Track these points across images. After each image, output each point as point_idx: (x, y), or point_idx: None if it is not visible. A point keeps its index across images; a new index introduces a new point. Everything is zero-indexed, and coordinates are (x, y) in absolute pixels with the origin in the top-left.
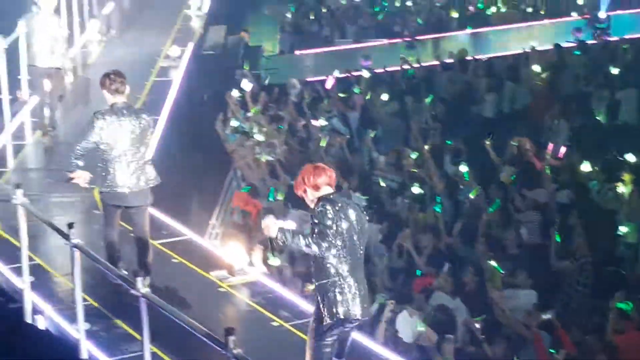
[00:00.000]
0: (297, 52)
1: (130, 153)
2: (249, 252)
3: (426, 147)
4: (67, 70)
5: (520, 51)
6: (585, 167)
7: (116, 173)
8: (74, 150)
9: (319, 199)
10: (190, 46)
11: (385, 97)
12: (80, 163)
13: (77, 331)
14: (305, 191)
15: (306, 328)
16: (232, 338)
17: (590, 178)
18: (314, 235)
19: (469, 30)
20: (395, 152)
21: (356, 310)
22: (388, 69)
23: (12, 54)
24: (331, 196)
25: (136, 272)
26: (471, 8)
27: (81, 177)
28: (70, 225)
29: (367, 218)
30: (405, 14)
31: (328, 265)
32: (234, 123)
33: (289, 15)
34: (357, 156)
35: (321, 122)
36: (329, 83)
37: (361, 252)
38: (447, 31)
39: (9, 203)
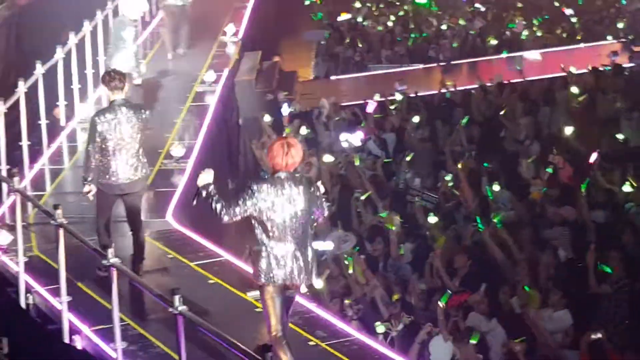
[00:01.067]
0: (332, 77)
1: (130, 146)
2: None
3: (461, 167)
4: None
5: (556, 75)
6: (627, 188)
7: (118, 166)
8: (84, 162)
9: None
10: (226, 71)
11: (416, 119)
12: (90, 177)
13: (115, 351)
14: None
15: (343, 347)
16: (269, 354)
17: (627, 199)
18: (230, 202)
19: (504, 55)
20: (431, 174)
21: (279, 276)
22: (422, 93)
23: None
24: (266, 176)
25: (106, 246)
26: (507, 33)
27: (90, 192)
28: (107, 245)
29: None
30: (440, 39)
31: (257, 236)
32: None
33: (323, 41)
34: (392, 177)
35: (355, 141)
36: (371, 107)
37: (297, 227)
38: (482, 55)
39: (45, 226)
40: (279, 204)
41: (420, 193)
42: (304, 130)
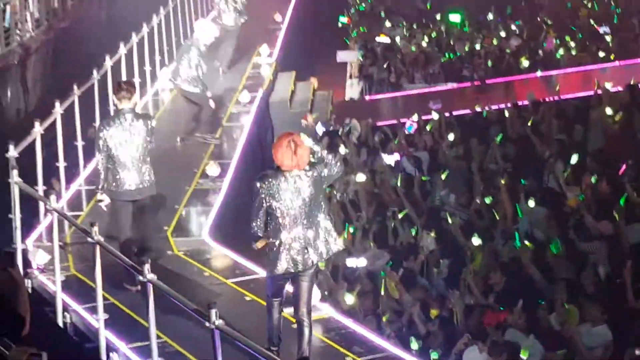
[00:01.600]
0: (366, 97)
1: (138, 153)
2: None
3: (501, 184)
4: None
5: (590, 93)
6: None
7: (125, 173)
8: (100, 173)
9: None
10: (261, 92)
11: (451, 137)
12: (102, 185)
13: None
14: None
15: None
16: None
17: None
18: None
19: (539, 73)
20: (467, 191)
21: (281, 267)
22: (457, 112)
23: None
24: (268, 171)
25: (142, 261)
26: (541, 52)
27: (104, 201)
28: (143, 261)
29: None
30: (474, 59)
31: (272, 228)
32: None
33: (356, 62)
34: (427, 195)
35: (390, 160)
36: (412, 127)
37: (307, 212)
38: (516, 74)
39: (82, 246)
40: (286, 195)
41: (455, 210)
42: (342, 149)
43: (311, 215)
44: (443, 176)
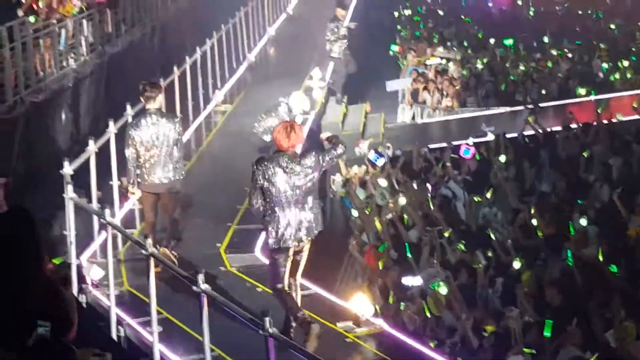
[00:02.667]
0: (418, 121)
1: (165, 151)
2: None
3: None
4: None
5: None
6: None
7: (153, 170)
8: (128, 162)
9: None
10: (313, 114)
11: (503, 159)
12: (132, 181)
13: None
14: None
15: None
16: None
17: None
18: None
19: (592, 97)
20: (515, 210)
21: (288, 240)
22: (509, 135)
23: None
24: (265, 155)
25: (198, 271)
26: (598, 76)
27: (135, 194)
28: (196, 272)
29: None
30: (527, 82)
31: (267, 206)
32: (360, 193)
33: (407, 88)
34: (472, 215)
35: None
36: (468, 152)
37: (298, 195)
38: (570, 97)
39: (135, 262)
40: (279, 177)
41: (501, 228)
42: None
43: (303, 200)
44: (488, 195)
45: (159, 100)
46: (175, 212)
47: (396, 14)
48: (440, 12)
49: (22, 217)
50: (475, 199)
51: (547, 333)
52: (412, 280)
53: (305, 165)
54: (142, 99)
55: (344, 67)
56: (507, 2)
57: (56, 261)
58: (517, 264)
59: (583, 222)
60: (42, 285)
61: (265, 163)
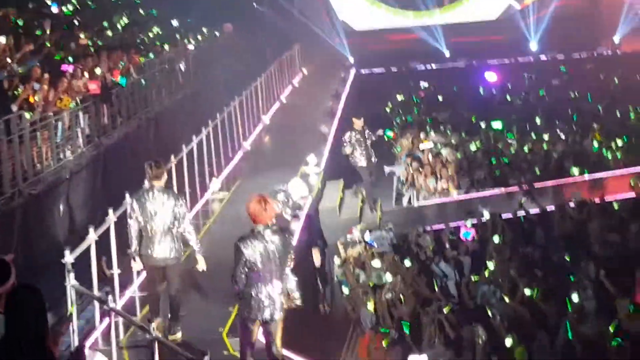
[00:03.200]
0: (415, 204)
1: (166, 225)
2: None
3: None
4: None
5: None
6: None
7: (154, 243)
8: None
9: None
10: (310, 199)
11: (496, 239)
12: (133, 250)
13: None
14: None
15: None
16: None
17: None
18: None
19: (586, 176)
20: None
21: (254, 314)
22: (505, 216)
23: None
24: (245, 234)
25: (150, 319)
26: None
27: (137, 264)
28: (202, 354)
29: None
30: (522, 164)
31: (248, 282)
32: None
33: (401, 174)
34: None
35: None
36: (469, 234)
37: (275, 268)
38: (564, 177)
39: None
40: (261, 251)
41: (497, 307)
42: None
43: (281, 271)
44: (487, 273)
45: (164, 179)
46: (176, 287)
47: (389, 104)
48: (438, 98)
49: (33, 294)
50: (473, 278)
51: None
52: (419, 359)
53: (284, 238)
54: (147, 178)
55: (368, 175)
56: (496, 85)
57: None
58: (509, 341)
59: (575, 298)
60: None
61: (248, 240)
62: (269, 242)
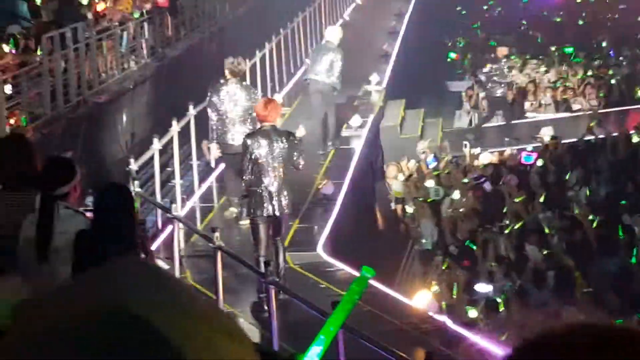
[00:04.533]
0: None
1: (240, 113)
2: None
3: None
4: None
5: None
6: None
7: (231, 133)
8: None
9: None
10: (371, 117)
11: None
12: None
13: None
14: None
15: None
16: None
17: None
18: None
19: None
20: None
21: (268, 209)
22: (567, 140)
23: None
24: (254, 131)
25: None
26: None
27: (215, 150)
28: (267, 263)
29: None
30: (587, 88)
31: (252, 177)
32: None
33: (465, 91)
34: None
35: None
36: (531, 158)
37: (277, 165)
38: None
39: (198, 259)
40: (265, 148)
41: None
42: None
43: (281, 169)
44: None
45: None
46: None
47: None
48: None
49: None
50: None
51: None
52: (485, 288)
53: (284, 139)
54: (227, 72)
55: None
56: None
57: None
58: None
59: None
60: None
61: (255, 136)
62: (273, 140)
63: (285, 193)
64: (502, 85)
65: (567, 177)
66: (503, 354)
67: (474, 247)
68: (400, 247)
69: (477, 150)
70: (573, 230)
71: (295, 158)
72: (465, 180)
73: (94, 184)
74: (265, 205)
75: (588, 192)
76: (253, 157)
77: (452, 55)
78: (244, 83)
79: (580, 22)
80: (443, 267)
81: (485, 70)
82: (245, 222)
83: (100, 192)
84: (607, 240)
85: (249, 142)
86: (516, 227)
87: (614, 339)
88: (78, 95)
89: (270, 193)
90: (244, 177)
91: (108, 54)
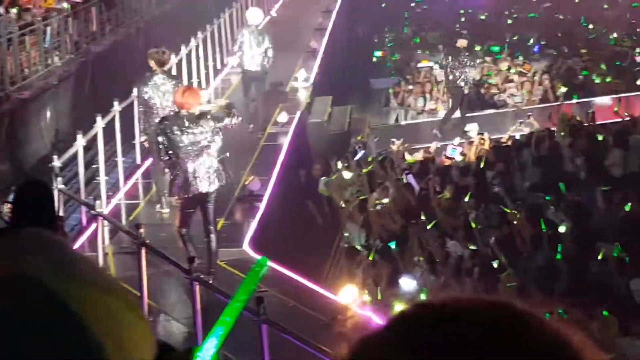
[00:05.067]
0: (402, 123)
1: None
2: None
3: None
4: None
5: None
6: None
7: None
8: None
9: None
10: (298, 114)
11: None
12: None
13: None
14: None
15: None
16: None
17: None
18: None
19: (574, 101)
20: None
21: (190, 189)
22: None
23: None
24: (168, 116)
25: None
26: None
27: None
28: (191, 260)
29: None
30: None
31: (172, 161)
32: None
33: (391, 88)
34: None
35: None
36: (455, 151)
37: (197, 150)
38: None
39: (122, 256)
40: (181, 134)
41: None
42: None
43: (200, 154)
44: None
45: (168, 66)
46: None
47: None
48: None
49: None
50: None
51: None
52: (409, 282)
53: (201, 126)
54: (153, 63)
55: None
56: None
57: None
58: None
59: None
60: None
61: (172, 120)
62: (190, 125)
63: (212, 172)
64: None
65: (491, 172)
66: (379, 324)
67: (396, 244)
68: (329, 242)
69: (403, 147)
70: (501, 225)
71: (228, 122)
72: (396, 178)
73: (15, 181)
74: (191, 184)
75: (511, 188)
76: (167, 142)
77: (378, 53)
78: (171, 73)
79: (509, 22)
80: (369, 260)
81: (420, 65)
82: (166, 210)
83: (19, 188)
84: (532, 236)
85: (161, 126)
86: (440, 222)
87: (472, 310)
88: (1, 91)
89: (194, 174)
90: (161, 158)
91: (31, 50)
